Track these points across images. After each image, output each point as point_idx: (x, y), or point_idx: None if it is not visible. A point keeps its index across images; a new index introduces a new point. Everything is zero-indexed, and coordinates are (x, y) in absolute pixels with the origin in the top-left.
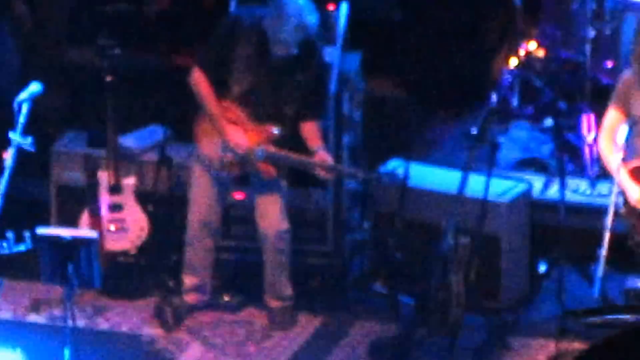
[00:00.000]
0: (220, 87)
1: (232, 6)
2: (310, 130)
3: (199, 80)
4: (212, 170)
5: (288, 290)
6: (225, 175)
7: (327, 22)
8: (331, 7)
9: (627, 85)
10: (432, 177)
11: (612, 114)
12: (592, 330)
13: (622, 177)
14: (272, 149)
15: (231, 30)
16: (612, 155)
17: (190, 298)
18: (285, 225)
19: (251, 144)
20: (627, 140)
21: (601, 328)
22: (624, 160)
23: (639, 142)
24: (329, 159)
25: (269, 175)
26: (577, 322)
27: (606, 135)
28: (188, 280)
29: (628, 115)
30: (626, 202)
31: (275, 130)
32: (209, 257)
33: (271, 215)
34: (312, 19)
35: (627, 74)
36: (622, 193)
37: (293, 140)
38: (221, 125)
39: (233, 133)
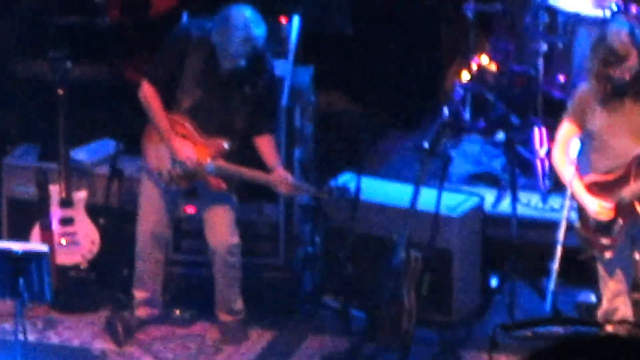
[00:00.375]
0: (170, 101)
1: (183, 19)
2: (265, 146)
3: (148, 93)
4: (161, 183)
5: (239, 305)
6: (174, 189)
7: (278, 35)
8: (283, 21)
9: (583, 99)
10: (384, 191)
11: (567, 127)
12: (524, 344)
13: (579, 191)
14: (222, 162)
15: (180, 42)
16: (565, 168)
17: (141, 312)
18: (235, 239)
19: (200, 158)
20: (579, 154)
21: (532, 341)
22: (580, 174)
23: (595, 157)
24: (287, 177)
25: (219, 188)
26: (508, 335)
27: (560, 148)
28: (139, 294)
29: (582, 129)
30: (581, 216)
31: (225, 144)
32: (160, 270)
33: (221, 229)
34: (259, 31)
35: (583, 89)
36: (577, 208)
37: (246, 155)
38: (170, 139)
39: (182, 147)
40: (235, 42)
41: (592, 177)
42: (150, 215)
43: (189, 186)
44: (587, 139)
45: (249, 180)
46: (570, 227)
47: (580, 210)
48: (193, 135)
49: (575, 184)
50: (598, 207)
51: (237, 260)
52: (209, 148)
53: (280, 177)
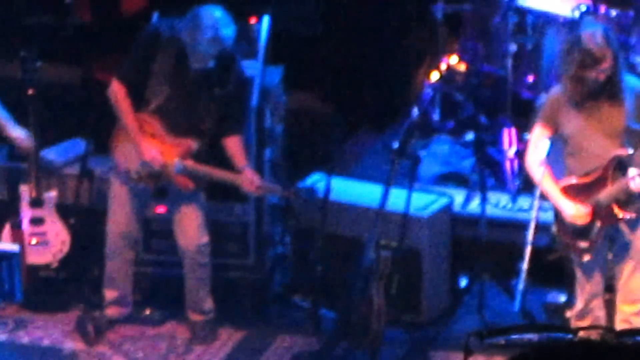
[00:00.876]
0: (139, 100)
1: (154, 18)
2: (233, 147)
3: (117, 92)
4: (129, 182)
5: (209, 304)
6: (142, 188)
7: (248, 35)
8: (253, 21)
9: (555, 103)
10: (354, 191)
11: (538, 132)
12: (497, 351)
13: (555, 195)
14: (190, 162)
15: (150, 42)
16: (537, 169)
17: (111, 311)
18: (204, 239)
19: (168, 158)
20: (553, 158)
21: (505, 348)
22: (556, 178)
23: (571, 160)
24: (255, 178)
25: (187, 188)
26: (482, 343)
27: (533, 152)
28: (109, 294)
29: (554, 132)
30: (558, 220)
31: (194, 144)
32: (129, 269)
33: (190, 229)
34: (228, 31)
35: (555, 92)
36: (553, 211)
37: (215, 155)
38: (137, 139)
39: (148, 147)
40: (204, 42)
41: (567, 181)
42: (120, 215)
43: (157, 186)
44: (562, 142)
45: (217, 180)
46: (545, 230)
47: (557, 214)
48: (162, 134)
49: (550, 188)
50: (575, 211)
51: (206, 260)
52: (177, 148)
53: (248, 178)
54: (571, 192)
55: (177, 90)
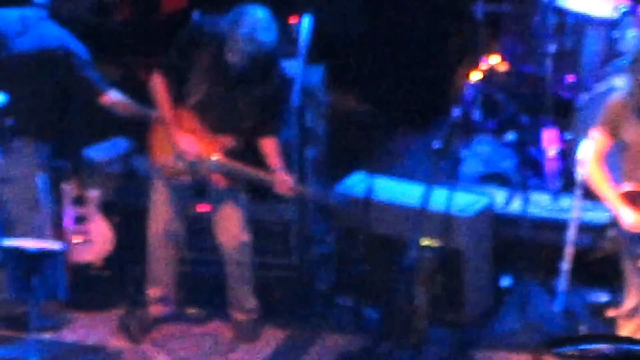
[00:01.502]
0: (179, 95)
1: (194, 17)
2: (269, 148)
3: (157, 84)
4: (165, 178)
5: (252, 303)
6: (182, 186)
7: (290, 35)
8: (293, 20)
9: (616, 110)
10: (396, 190)
11: (599, 140)
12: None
13: (614, 201)
14: (225, 159)
15: (192, 37)
16: (603, 182)
17: (154, 310)
18: (245, 237)
19: (202, 152)
20: (610, 164)
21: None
22: (613, 184)
23: (630, 167)
24: (288, 179)
25: (221, 185)
26: (550, 352)
27: (595, 161)
28: (152, 292)
29: (615, 139)
30: (615, 225)
31: (229, 142)
32: (172, 268)
33: (231, 227)
34: (266, 34)
35: (614, 99)
36: (611, 216)
37: (253, 155)
38: (172, 130)
39: (182, 138)
40: (240, 39)
41: (626, 187)
42: (161, 213)
43: (194, 182)
44: (620, 148)
45: (251, 178)
46: (586, 229)
47: (614, 219)
48: (199, 130)
49: (610, 194)
50: (634, 219)
51: (247, 258)
52: (213, 144)
53: (281, 179)
54: (629, 198)
55: (216, 87)
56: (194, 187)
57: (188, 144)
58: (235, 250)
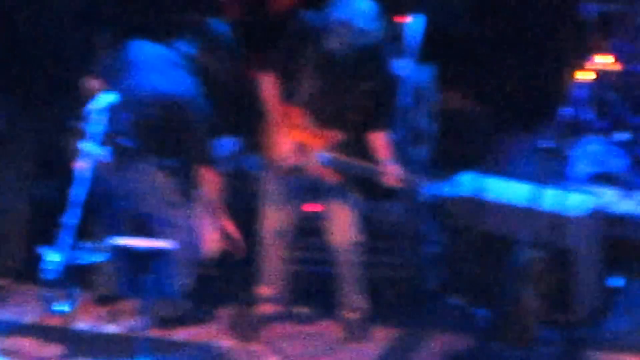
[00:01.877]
0: (288, 91)
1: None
2: (377, 141)
3: (266, 82)
4: (278, 176)
5: (362, 303)
6: (295, 184)
7: (401, 34)
8: (403, 19)
9: None
10: (505, 190)
11: None
12: None
13: None
14: (334, 154)
15: (299, 33)
16: None
17: (264, 308)
18: (357, 237)
19: (313, 148)
20: None
21: None
22: None
23: None
24: (397, 170)
25: (332, 181)
26: None
27: None
28: (262, 291)
29: None
30: None
31: (338, 136)
32: (284, 266)
33: (342, 227)
34: (365, 22)
35: None
36: None
37: (361, 150)
38: (279, 129)
39: (294, 136)
40: (338, 24)
41: None
42: (274, 211)
43: (304, 179)
44: None
45: (360, 171)
46: None
47: None
48: (308, 126)
49: None
50: None
51: (358, 258)
52: (322, 139)
53: (390, 170)
54: None
55: (324, 83)
56: (307, 186)
57: (298, 140)
58: (346, 250)
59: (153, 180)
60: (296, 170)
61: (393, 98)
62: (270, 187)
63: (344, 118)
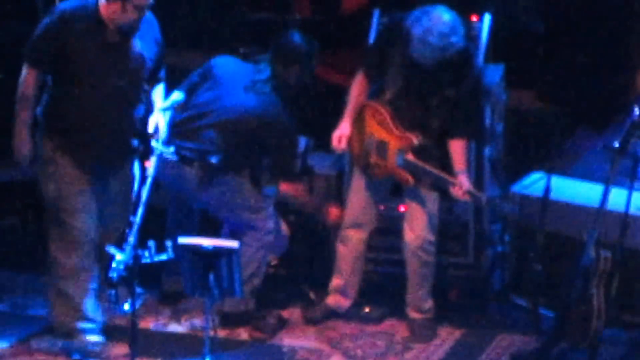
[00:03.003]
0: (378, 89)
1: (375, 15)
2: (456, 150)
3: (357, 80)
4: (361, 170)
5: (429, 303)
6: (378, 181)
7: (469, 33)
8: (474, 19)
9: None
10: (574, 190)
11: None
12: None
13: None
14: (410, 156)
15: (391, 32)
16: None
17: (332, 299)
18: (430, 237)
19: (393, 148)
20: None
21: None
22: None
23: None
24: (466, 184)
25: (407, 183)
26: None
27: None
28: (334, 281)
29: None
30: None
31: (416, 139)
32: (358, 261)
33: (417, 225)
34: (452, 39)
35: None
36: None
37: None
38: (345, 119)
39: (343, 129)
40: (416, 40)
41: None
42: (354, 203)
43: (382, 175)
44: None
45: (432, 178)
46: None
47: None
48: (389, 124)
49: None
50: None
51: (430, 259)
52: (400, 140)
53: (460, 182)
54: None
55: (409, 84)
56: (388, 185)
57: (380, 138)
58: (416, 247)
59: (234, 190)
60: (376, 167)
61: (479, 107)
62: (356, 179)
63: (426, 122)
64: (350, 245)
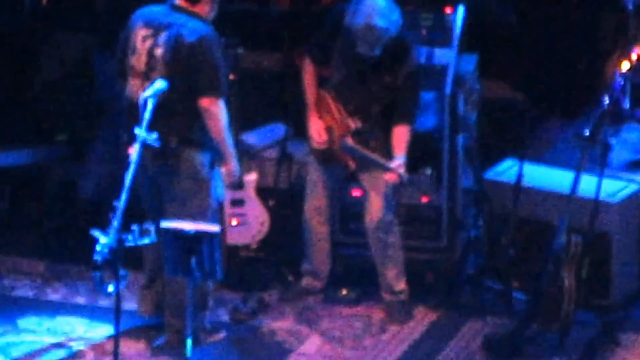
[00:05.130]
0: (324, 78)
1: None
2: (397, 135)
3: (305, 69)
4: (318, 159)
5: (401, 285)
6: (332, 166)
7: (443, 25)
8: (448, 10)
9: None
10: (545, 176)
11: None
12: None
13: None
14: (350, 140)
15: (334, 22)
16: None
17: (305, 282)
18: (387, 217)
19: (335, 134)
20: None
21: None
22: None
23: None
24: (400, 169)
25: (349, 167)
26: None
27: None
28: (304, 265)
29: None
30: None
31: (354, 124)
32: (323, 244)
33: (373, 207)
34: (382, 22)
35: None
36: None
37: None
38: (310, 114)
39: (314, 124)
40: (359, 29)
41: None
42: (313, 190)
43: (336, 163)
44: None
45: (369, 162)
46: None
47: None
48: (333, 112)
49: None
50: None
51: (391, 239)
52: (342, 127)
53: (395, 166)
54: None
55: (351, 73)
56: (346, 170)
57: (318, 129)
58: (375, 228)
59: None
60: (328, 154)
61: (418, 92)
62: (313, 169)
63: (367, 108)
64: (312, 231)
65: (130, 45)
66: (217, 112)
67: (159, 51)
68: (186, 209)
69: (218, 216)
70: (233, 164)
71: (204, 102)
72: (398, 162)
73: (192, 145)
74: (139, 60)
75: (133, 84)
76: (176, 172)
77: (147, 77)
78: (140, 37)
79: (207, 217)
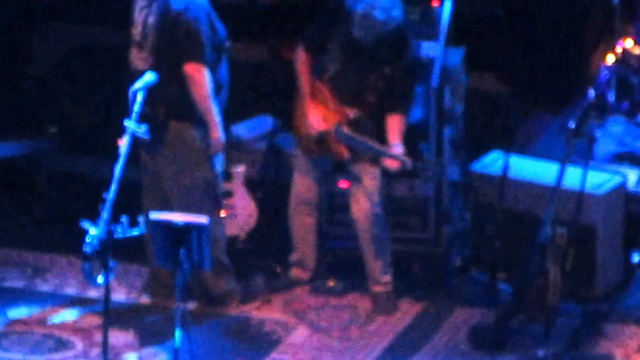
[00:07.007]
0: (318, 67)
1: None
2: (391, 124)
3: (299, 58)
4: (307, 149)
5: (387, 276)
6: (321, 159)
7: (431, 17)
8: (435, 3)
9: None
10: (531, 169)
11: None
12: None
13: None
14: (346, 129)
15: (333, 11)
16: None
17: (293, 272)
18: (376, 210)
19: (328, 124)
20: None
21: None
22: None
23: None
24: (399, 152)
25: (341, 157)
26: None
27: None
28: (292, 256)
29: None
30: None
31: (351, 113)
32: (310, 234)
33: (362, 200)
34: (384, 13)
35: None
36: None
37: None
38: (306, 102)
39: (312, 112)
40: (358, 16)
41: None
42: (300, 181)
43: (328, 155)
44: None
45: (365, 150)
46: None
47: None
48: (328, 101)
49: None
50: None
51: (380, 232)
52: (337, 115)
53: (392, 152)
54: None
55: (348, 62)
56: (334, 162)
57: (316, 118)
58: (365, 221)
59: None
60: (319, 142)
61: (416, 82)
62: (300, 160)
63: (362, 98)
64: (299, 222)
65: (133, 17)
66: (201, 79)
67: (150, 20)
68: (180, 183)
69: (217, 190)
70: (219, 132)
71: (188, 68)
72: (396, 148)
73: (181, 117)
74: (136, 30)
75: (133, 53)
76: (167, 145)
77: (141, 46)
78: (139, 8)
79: (203, 190)
